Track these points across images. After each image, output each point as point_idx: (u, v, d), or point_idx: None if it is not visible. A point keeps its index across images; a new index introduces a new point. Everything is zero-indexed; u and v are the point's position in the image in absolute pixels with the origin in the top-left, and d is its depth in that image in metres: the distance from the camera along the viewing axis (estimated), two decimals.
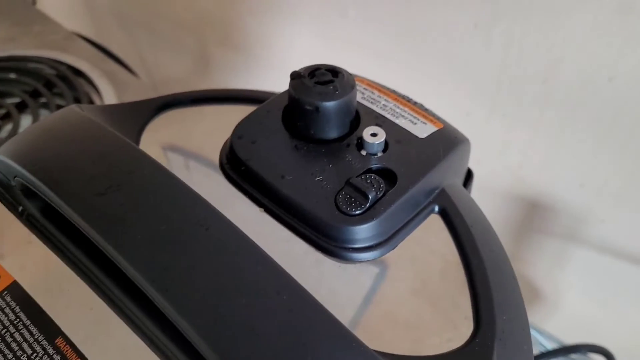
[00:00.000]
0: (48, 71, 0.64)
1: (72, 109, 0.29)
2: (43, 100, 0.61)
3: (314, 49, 0.63)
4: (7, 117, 0.60)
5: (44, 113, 0.60)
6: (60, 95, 0.61)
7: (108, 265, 0.25)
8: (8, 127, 0.59)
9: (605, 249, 0.54)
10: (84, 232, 0.22)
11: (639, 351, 0.57)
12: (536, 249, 0.60)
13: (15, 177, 0.27)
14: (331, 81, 0.29)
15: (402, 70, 0.57)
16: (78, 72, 0.64)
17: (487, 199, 0.56)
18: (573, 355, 0.54)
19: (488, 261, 0.27)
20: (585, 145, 0.48)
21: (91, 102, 0.61)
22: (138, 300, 0.24)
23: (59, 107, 0.60)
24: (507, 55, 0.48)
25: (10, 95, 0.62)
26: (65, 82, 0.62)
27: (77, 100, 0.61)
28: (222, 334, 0.18)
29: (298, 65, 0.72)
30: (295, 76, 0.29)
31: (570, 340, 0.55)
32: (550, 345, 0.58)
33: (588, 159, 0.49)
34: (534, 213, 0.57)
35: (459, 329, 0.25)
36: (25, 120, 0.59)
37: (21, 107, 0.60)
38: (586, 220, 0.53)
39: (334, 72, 0.29)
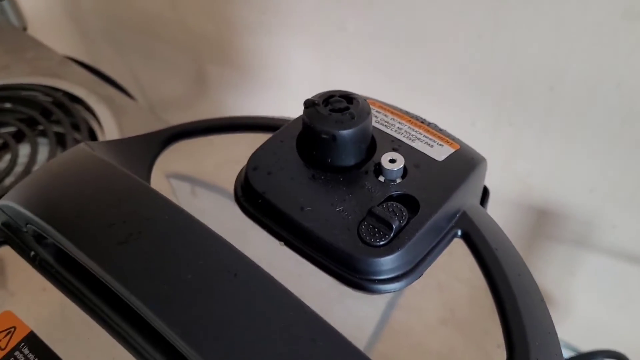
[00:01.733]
0: (43, 98, 0.63)
1: (82, 149, 0.29)
2: (40, 128, 0.60)
3: (314, 64, 0.63)
4: (4, 147, 0.59)
5: (42, 141, 0.59)
6: (58, 122, 0.60)
7: (128, 311, 0.24)
8: (7, 157, 0.58)
9: (618, 254, 0.54)
10: (107, 284, 0.21)
11: None
12: (547, 256, 0.59)
13: (27, 224, 0.26)
14: (347, 108, 0.28)
15: (405, 83, 0.56)
16: (74, 98, 0.63)
17: (497, 207, 0.55)
18: None
19: (516, 285, 0.27)
20: (594, 150, 0.48)
21: (90, 128, 0.60)
22: (162, 348, 0.23)
23: (57, 134, 0.59)
24: (511, 65, 0.48)
25: (6, 124, 0.61)
26: (61, 109, 0.61)
27: (75, 127, 0.60)
28: None
29: (298, 83, 0.72)
30: (309, 104, 0.28)
31: (584, 346, 0.54)
32: (564, 353, 0.58)
33: (597, 164, 0.49)
34: (544, 220, 0.56)
35: (492, 358, 0.25)
36: (24, 150, 0.58)
37: (18, 137, 0.59)
38: (597, 226, 0.53)
39: (349, 98, 0.28)
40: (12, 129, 0.60)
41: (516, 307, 0.26)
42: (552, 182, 0.53)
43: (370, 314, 0.27)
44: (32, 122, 0.60)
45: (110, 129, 0.59)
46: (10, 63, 0.68)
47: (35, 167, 0.57)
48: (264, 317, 0.19)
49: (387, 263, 0.26)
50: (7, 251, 0.29)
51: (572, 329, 0.62)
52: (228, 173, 0.31)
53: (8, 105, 0.62)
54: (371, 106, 0.33)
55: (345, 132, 0.27)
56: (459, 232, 0.29)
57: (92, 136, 0.59)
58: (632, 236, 0.52)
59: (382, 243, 0.26)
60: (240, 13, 0.64)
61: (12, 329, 0.26)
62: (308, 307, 0.20)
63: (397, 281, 0.26)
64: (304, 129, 0.29)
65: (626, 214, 0.50)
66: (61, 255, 0.27)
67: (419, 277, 0.27)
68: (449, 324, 0.26)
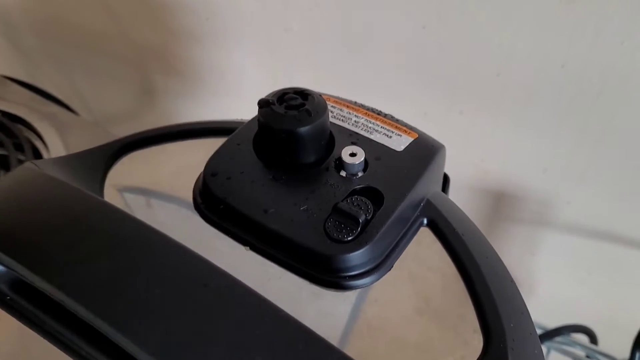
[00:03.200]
0: None
1: (28, 168, 0.27)
2: None
3: (262, 67, 0.62)
4: None
5: None
6: (0, 144, 0.57)
7: (92, 335, 0.23)
8: None
9: (573, 230, 0.55)
10: (69, 309, 0.20)
11: (618, 324, 0.59)
12: (507, 238, 0.60)
13: None
14: (302, 105, 0.27)
15: (354, 79, 0.56)
16: (15, 118, 0.60)
17: (455, 193, 0.56)
18: (557, 338, 0.55)
19: (485, 268, 0.27)
20: (545, 131, 0.49)
21: (34, 147, 0.57)
22: None
23: (0, 156, 0.56)
24: (458, 53, 0.48)
25: None
26: (2, 130, 0.58)
27: (19, 147, 0.57)
28: None
29: (248, 87, 0.71)
30: (263, 104, 0.28)
31: (550, 323, 0.56)
32: None
33: (548, 144, 0.50)
34: (501, 202, 0.57)
35: (470, 344, 0.25)
36: None
37: None
38: (552, 204, 0.54)
39: (303, 94, 0.28)
40: None
41: (488, 291, 0.26)
42: (507, 165, 0.54)
43: (344, 310, 0.26)
44: None
45: (55, 147, 0.57)
46: None
47: None
48: (239, 325, 0.18)
49: (357, 258, 0.25)
50: None
51: (537, 307, 0.63)
52: (184, 181, 0.30)
53: None
54: (327, 101, 0.32)
55: (303, 130, 0.27)
56: (425, 221, 0.29)
57: (37, 155, 0.57)
58: (586, 211, 0.53)
59: (350, 238, 0.25)
60: (184, 22, 0.63)
61: None
62: (283, 312, 0.19)
63: (369, 275, 0.26)
64: (260, 129, 0.28)
65: (579, 190, 0.52)
66: (16, 283, 0.25)
67: (390, 269, 0.26)
68: (424, 313, 0.26)
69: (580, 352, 0.55)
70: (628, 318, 0.57)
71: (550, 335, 0.54)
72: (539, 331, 0.58)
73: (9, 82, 0.66)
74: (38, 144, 0.58)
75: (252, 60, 0.62)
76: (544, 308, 0.63)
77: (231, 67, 0.65)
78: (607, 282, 0.58)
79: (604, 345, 0.55)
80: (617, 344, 0.53)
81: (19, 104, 0.61)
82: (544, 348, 0.56)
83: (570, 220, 0.55)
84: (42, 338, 0.24)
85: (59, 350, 0.24)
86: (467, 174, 0.57)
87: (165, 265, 0.20)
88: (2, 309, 0.25)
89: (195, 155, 0.32)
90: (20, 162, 0.56)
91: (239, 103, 0.68)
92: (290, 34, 0.56)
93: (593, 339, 0.55)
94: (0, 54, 0.86)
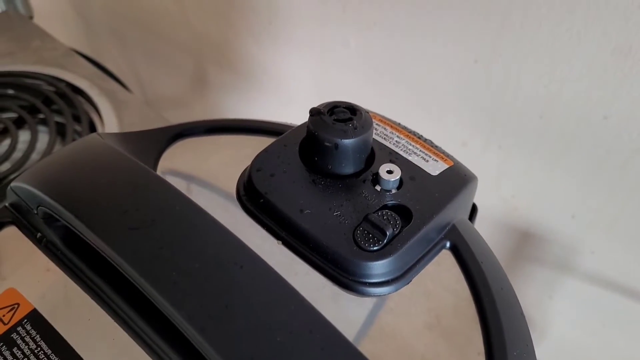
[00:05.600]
0: (46, 88, 0.64)
1: (95, 138, 0.30)
2: (41, 116, 0.61)
3: (313, 75, 0.64)
4: (4, 132, 0.60)
5: (42, 129, 0.60)
6: (59, 112, 0.61)
7: (130, 294, 0.26)
8: (6, 142, 0.59)
9: (594, 280, 0.56)
10: (116, 266, 0.22)
11: None
12: (526, 277, 0.61)
13: (39, 206, 0.27)
14: (350, 119, 0.29)
15: (401, 100, 0.58)
16: (77, 90, 0.64)
17: (482, 224, 0.57)
18: None
19: (498, 298, 0.28)
20: (578, 178, 0.50)
21: (90, 120, 0.61)
22: (162, 331, 0.25)
23: (57, 124, 0.60)
24: (505, 90, 0.50)
25: (7, 110, 0.61)
26: (64, 100, 0.62)
27: (76, 118, 0.61)
28: None
29: (294, 92, 0.74)
30: (314, 113, 0.30)
31: None
32: None
33: (580, 191, 0.51)
34: (526, 241, 0.58)
35: None
36: (24, 136, 0.59)
37: (19, 123, 0.60)
38: (577, 251, 0.55)
39: (353, 110, 0.30)
40: (13, 115, 0.61)
41: (497, 318, 0.27)
42: (536, 205, 0.55)
43: (361, 315, 0.28)
44: (33, 110, 0.61)
45: (110, 123, 0.60)
46: (16, 50, 0.69)
47: (34, 155, 0.58)
48: (266, 306, 0.20)
49: (379, 267, 0.27)
50: (13, 231, 0.30)
51: (547, 350, 0.63)
52: (227, 173, 0.32)
53: (11, 91, 0.63)
54: (372, 119, 0.34)
55: (347, 142, 0.29)
56: (448, 244, 0.30)
57: (92, 128, 0.60)
58: (608, 263, 0.54)
59: (375, 248, 0.27)
60: (247, 21, 0.66)
61: (16, 306, 0.27)
62: (307, 301, 0.21)
63: (387, 285, 0.27)
64: (308, 135, 0.30)
65: (604, 241, 0.52)
66: (69, 238, 0.28)
67: (408, 283, 0.28)
68: (434, 329, 0.27)
69: None
70: None
71: None
72: None
73: (75, 54, 0.69)
74: (94, 117, 0.62)
75: (303, 68, 0.65)
76: (553, 351, 0.64)
77: (283, 70, 0.67)
78: (620, 337, 0.58)
79: None
80: None
81: (82, 76, 0.65)
82: None
83: (592, 270, 0.56)
84: (84, 293, 0.27)
85: (98, 308, 0.26)
86: (496, 207, 0.58)
87: (207, 243, 0.22)
88: (53, 260, 0.28)
89: (242, 150, 0.34)
90: (76, 132, 0.60)
91: (283, 106, 0.70)
92: (347, 49, 0.58)
93: None
94: (71, 27, 0.90)
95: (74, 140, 0.59)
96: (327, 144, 0.29)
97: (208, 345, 0.19)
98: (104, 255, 0.23)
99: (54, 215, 0.25)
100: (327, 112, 0.30)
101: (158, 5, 0.76)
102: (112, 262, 0.23)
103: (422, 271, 0.29)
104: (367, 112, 0.31)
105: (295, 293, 0.21)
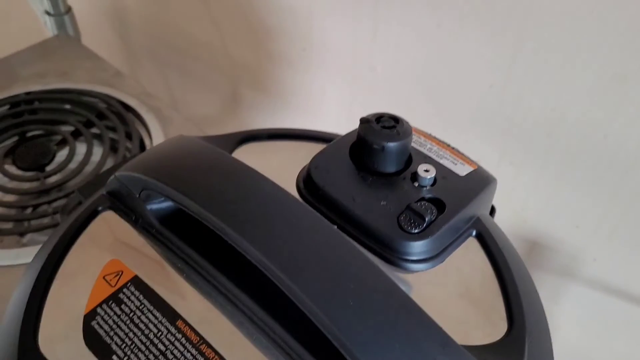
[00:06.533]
0: (100, 105, 0.70)
1: (182, 137, 0.36)
2: (96, 131, 0.67)
3: (343, 98, 0.71)
4: (62, 142, 0.66)
5: (96, 143, 0.66)
6: (113, 129, 0.67)
7: (218, 261, 0.31)
8: (64, 152, 0.65)
9: (596, 286, 0.61)
10: (218, 232, 0.28)
11: None
12: (536, 285, 0.66)
13: (142, 190, 0.33)
14: (394, 127, 0.36)
15: (422, 122, 0.64)
16: (127, 107, 0.70)
17: None
18: None
19: (517, 275, 0.34)
20: (581, 191, 0.56)
21: (140, 136, 0.67)
22: (245, 290, 0.30)
23: (111, 139, 0.66)
24: (516, 112, 0.56)
25: (65, 123, 0.68)
26: (116, 116, 0.68)
27: (128, 134, 0.67)
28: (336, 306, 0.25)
29: (325, 113, 0.80)
30: (364, 121, 0.36)
31: None
32: None
33: (584, 203, 0.57)
34: (534, 251, 0.64)
35: (497, 327, 0.32)
36: (81, 147, 0.65)
37: (75, 135, 0.67)
38: (580, 259, 0.61)
39: (395, 119, 0.36)
40: (70, 128, 0.67)
41: (516, 291, 0.33)
42: (544, 217, 0.61)
43: (403, 287, 0.34)
44: (88, 124, 0.68)
45: (157, 138, 0.67)
46: (69, 70, 0.76)
47: (87, 167, 0.64)
48: (349, 279, 0.26)
49: (419, 247, 0.33)
50: (110, 215, 0.36)
51: (555, 352, 0.68)
52: (287, 171, 0.38)
53: (68, 106, 0.70)
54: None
55: (392, 144, 0.35)
56: (474, 232, 0.36)
57: (142, 146, 0.66)
58: (609, 270, 0.59)
59: (416, 231, 0.33)
60: (283, 48, 0.73)
61: (120, 272, 0.33)
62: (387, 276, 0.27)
63: (425, 262, 0.33)
64: (358, 139, 0.36)
65: (605, 249, 0.58)
66: (163, 217, 0.34)
67: (442, 262, 0.34)
68: (465, 298, 0.33)
69: None
70: None
71: None
72: None
73: (123, 75, 0.76)
74: (143, 132, 0.68)
75: (333, 91, 0.71)
76: (560, 355, 0.69)
77: (313, 92, 0.74)
78: (621, 339, 0.64)
79: None
80: None
81: (131, 95, 0.72)
82: None
83: (594, 277, 0.61)
84: (176, 261, 0.32)
85: (189, 272, 0.32)
86: (508, 219, 0.64)
87: (290, 211, 0.28)
88: (148, 237, 0.34)
89: (298, 153, 0.41)
90: (127, 149, 0.66)
91: (315, 126, 0.77)
92: (374, 73, 0.65)
93: None
94: (114, 49, 0.98)
95: (125, 156, 0.65)
96: (376, 146, 0.35)
97: (298, 290, 0.25)
98: (206, 223, 0.29)
99: (161, 194, 0.31)
100: (375, 120, 0.36)
101: (197, 33, 0.83)
102: (213, 229, 0.29)
103: (453, 253, 0.35)
104: (407, 122, 0.37)
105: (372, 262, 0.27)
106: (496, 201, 0.44)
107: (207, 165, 0.31)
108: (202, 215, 0.29)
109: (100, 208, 0.36)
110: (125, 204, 0.35)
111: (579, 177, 0.56)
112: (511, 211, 0.63)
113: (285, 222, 0.28)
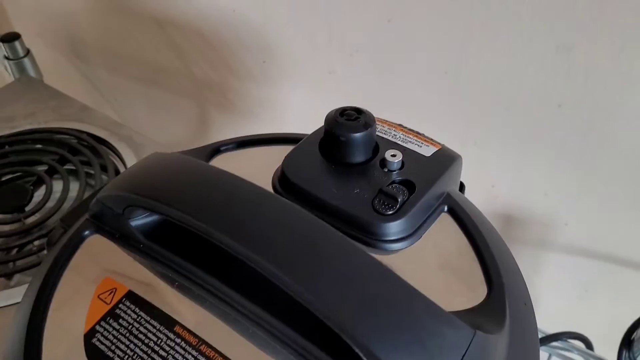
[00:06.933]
0: (72, 140, 0.71)
1: (158, 153, 0.37)
2: (70, 167, 0.68)
3: (307, 103, 0.73)
4: (38, 182, 0.66)
5: (72, 179, 0.67)
6: (87, 162, 0.68)
7: (207, 266, 0.33)
8: (41, 191, 0.65)
9: (571, 250, 0.64)
10: (205, 236, 0.30)
11: (611, 335, 0.66)
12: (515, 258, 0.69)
13: (127, 207, 0.34)
14: (357, 118, 0.38)
15: (387, 114, 0.67)
16: (98, 139, 0.71)
17: None
18: (554, 343, 0.62)
19: (490, 240, 0.36)
20: (545, 160, 0.59)
21: (115, 166, 0.68)
22: (234, 288, 0.32)
23: (86, 173, 0.66)
24: (473, 91, 0.59)
25: (39, 163, 0.68)
26: (89, 149, 0.69)
27: (103, 166, 0.67)
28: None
29: (294, 120, 0.82)
30: (329, 116, 0.38)
31: (551, 330, 0.63)
32: None
33: (548, 171, 0.59)
34: (509, 225, 0.66)
35: (477, 291, 0.34)
36: (57, 185, 0.66)
37: (50, 173, 0.67)
38: (553, 225, 0.63)
39: (359, 111, 0.38)
40: (44, 167, 0.68)
41: (491, 255, 0.35)
42: (513, 191, 0.64)
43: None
44: (62, 161, 0.68)
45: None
46: (36, 111, 0.76)
47: (66, 202, 0.64)
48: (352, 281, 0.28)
49: (395, 227, 0.35)
50: (96, 238, 0.37)
51: (540, 317, 0.71)
52: (261, 174, 0.40)
53: (39, 146, 0.70)
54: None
55: (358, 135, 0.37)
56: (445, 208, 0.38)
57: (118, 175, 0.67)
58: (581, 233, 0.62)
59: (390, 213, 0.35)
60: (243, 62, 0.74)
61: (114, 290, 0.34)
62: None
63: (403, 241, 0.35)
64: (325, 134, 0.38)
65: (574, 212, 0.61)
66: (149, 233, 0.35)
67: (419, 239, 0.36)
68: (444, 269, 0.35)
69: (578, 357, 0.62)
70: (621, 330, 0.64)
71: (549, 339, 0.62)
72: (539, 335, 0.66)
73: (89, 108, 0.77)
74: (117, 162, 0.69)
75: (298, 97, 0.73)
76: (546, 318, 0.71)
77: (279, 102, 0.76)
78: (602, 299, 0.66)
79: (599, 352, 0.62)
80: (612, 351, 0.61)
81: (100, 127, 0.73)
82: (544, 353, 0.63)
83: (568, 241, 0.64)
84: (166, 272, 0.34)
85: (180, 280, 0.33)
86: (480, 198, 0.66)
87: (266, 210, 0.30)
88: (136, 252, 0.35)
89: (269, 157, 0.42)
90: (103, 181, 0.66)
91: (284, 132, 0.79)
92: (334, 75, 0.67)
93: (589, 345, 0.63)
94: (80, 85, 0.98)
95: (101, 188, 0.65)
96: (342, 138, 0.37)
97: (293, 284, 0.27)
98: (192, 229, 0.31)
99: (145, 208, 0.33)
100: (339, 114, 0.38)
101: (157, 59, 0.84)
102: (204, 237, 0.30)
103: (428, 229, 0.37)
104: (370, 112, 0.39)
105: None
106: (466, 182, 0.47)
107: (186, 175, 0.33)
108: (188, 222, 0.30)
109: (86, 232, 0.37)
110: (110, 225, 0.36)
111: (542, 147, 0.58)
112: (482, 190, 0.65)
113: (269, 217, 0.29)
